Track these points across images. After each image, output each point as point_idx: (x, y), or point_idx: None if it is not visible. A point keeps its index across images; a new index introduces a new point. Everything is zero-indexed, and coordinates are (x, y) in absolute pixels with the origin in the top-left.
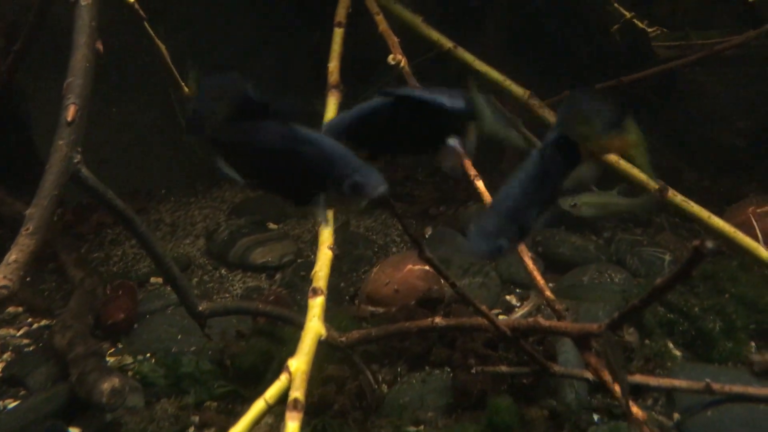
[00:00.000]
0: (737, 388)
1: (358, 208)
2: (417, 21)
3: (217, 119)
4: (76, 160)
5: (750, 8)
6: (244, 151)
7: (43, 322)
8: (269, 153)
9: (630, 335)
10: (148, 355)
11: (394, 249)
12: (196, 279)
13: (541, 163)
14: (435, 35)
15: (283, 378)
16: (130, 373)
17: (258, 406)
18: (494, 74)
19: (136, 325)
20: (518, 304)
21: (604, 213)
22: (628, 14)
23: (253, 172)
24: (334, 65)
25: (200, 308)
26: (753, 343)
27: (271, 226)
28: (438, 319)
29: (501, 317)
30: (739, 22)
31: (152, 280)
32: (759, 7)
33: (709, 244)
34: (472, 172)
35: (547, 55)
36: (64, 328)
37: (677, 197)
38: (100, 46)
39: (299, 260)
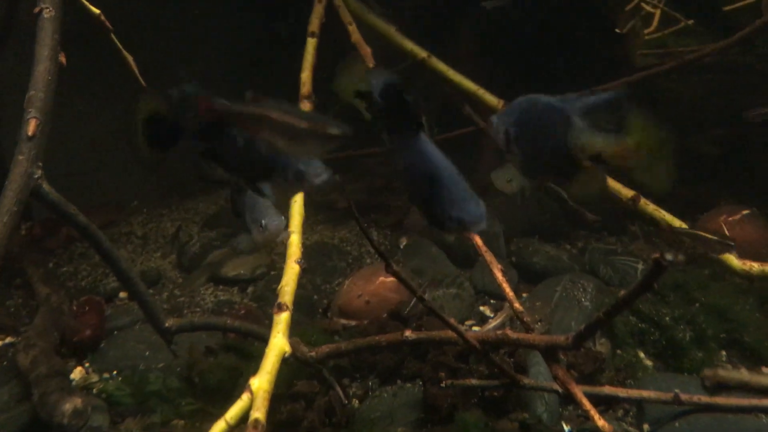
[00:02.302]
0: (705, 399)
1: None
2: (391, 31)
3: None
4: (36, 176)
5: (724, 17)
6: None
7: (8, 340)
8: (235, 146)
9: (601, 345)
10: (115, 372)
11: (368, 260)
12: (166, 293)
13: None
14: (409, 45)
15: (245, 397)
16: (95, 391)
17: (218, 427)
18: (468, 83)
19: (103, 342)
20: (492, 315)
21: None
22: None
23: (224, 163)
24: (306, 75)
25: (167, 324)
26: (724, 353)
27: None
28: (408, 333)
29: (475, 329)
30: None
31: (121, 295)
32: (733, 15)
33: (669, 255)
34: None
35: (522, 64)
36: (27, 346)
37: (649, 206)
38: (63, 58)
39: (272, 273)
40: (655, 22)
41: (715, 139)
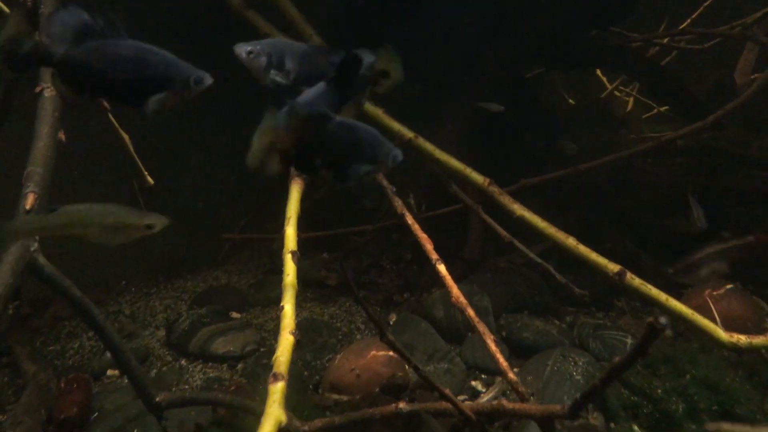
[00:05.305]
0: None
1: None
2: (378, 113)
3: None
4: (33, 248)
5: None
6: (95, 65)
7: None
8: (120, 62)
9: (595, 419)
10: None
11: (358, 336)
12: (154, 371)
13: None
14: (396, 126)
15: None
16: None
17: None
18: (454, 163)
19: (90, 420)
20: (484, 390)
21: None
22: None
23: (100, 82)
24: None
25: (157, 399)
26: None
27: (234, 315)
28: (402, 405)
29: (466, 403)
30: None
31: (109, 372)
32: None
33: (662, 320)
34: (434, 256)
35: (503, 146)
36: (14, 424)
37: (635, 280)
38: (62, 135)
39: (262, 349)
40: (629, 107)
41: (693, 217)
